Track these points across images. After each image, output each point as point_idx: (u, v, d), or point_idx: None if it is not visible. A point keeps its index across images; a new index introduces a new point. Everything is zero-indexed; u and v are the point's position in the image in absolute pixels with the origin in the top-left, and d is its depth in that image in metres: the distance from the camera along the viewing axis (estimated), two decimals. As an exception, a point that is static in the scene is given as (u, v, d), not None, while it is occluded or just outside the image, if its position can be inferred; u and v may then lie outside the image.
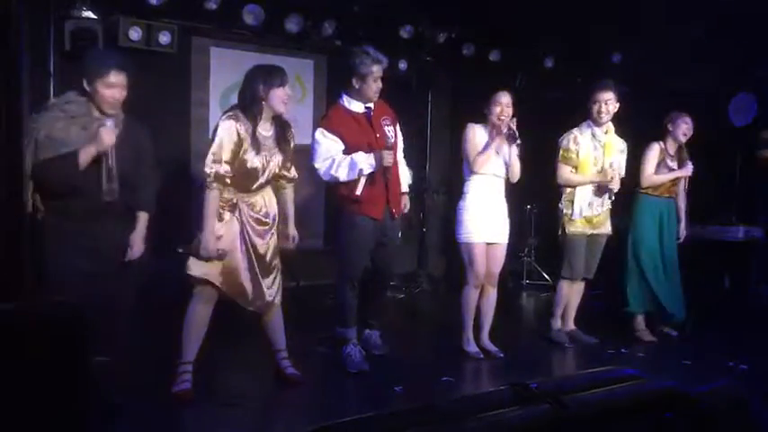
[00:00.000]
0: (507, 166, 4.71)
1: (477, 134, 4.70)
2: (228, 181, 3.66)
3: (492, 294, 4.85)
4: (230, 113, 3.73)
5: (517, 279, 7.48)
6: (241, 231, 3.78)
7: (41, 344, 1.64)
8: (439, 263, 7.85)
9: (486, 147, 4.62)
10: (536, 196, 6.93)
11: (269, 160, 3.80)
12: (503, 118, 4.59)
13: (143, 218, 3.60)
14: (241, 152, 3.69)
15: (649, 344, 5.26)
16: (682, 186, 5.43)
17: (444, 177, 7.75)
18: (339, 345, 4.54)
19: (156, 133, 5.86)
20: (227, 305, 3.96)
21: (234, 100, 6.38)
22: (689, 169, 5.32)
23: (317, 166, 4.34)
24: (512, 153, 4.67)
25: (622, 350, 5.07)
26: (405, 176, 4.80)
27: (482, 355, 4.76)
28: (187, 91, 6.27)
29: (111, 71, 3.35)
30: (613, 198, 5.11)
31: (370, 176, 4.30)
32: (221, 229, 3.72)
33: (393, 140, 4.49)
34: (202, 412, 3.66)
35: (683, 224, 5.45)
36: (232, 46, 6.46)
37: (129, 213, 3.54)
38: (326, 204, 6.76)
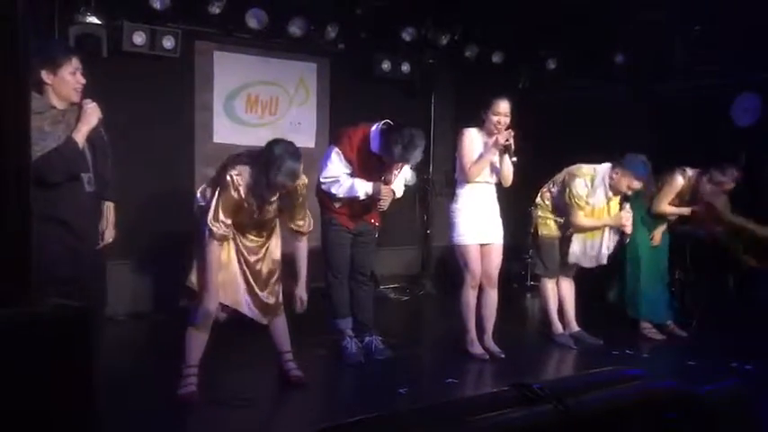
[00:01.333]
0: (498, 172, 4.74)
1: (473, 140, 4.71)
2: (230, 236, 3.78)
3: (492, 296, 4.85)
4: (237, 170, 3.69)
5: (522, 280, 7.48)
6: (236, 249, 3.88)
7: (48, 346, 1.65)
8: (443, 265, 7.84)
9: (480, 157, 4.65)
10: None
11: (269, 217, 3.89)
12: (500, 128, 4.60)
13: (112, 207, 3.62)
14: (240, 206, 3.74)
15: (655, 345, 5.26)
16: None
17: (448, 179, 7.75)
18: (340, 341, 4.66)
19: (160, 138, 5.95)
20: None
21: (238, 104, 6.52)
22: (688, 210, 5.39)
23: (321, 178, 4.56)
24: (504, 160, 4.68)
25: (627, 351, 5.06)
26: (402, 180, 4.82)
27: (487, 357, 4.77)
28: (191, 95, 6.29)
29: (72, 56, 3.31)
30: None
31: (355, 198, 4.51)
32: (217, 250, 3.77)
33: (396, 175, 4.65)
34: (207, 414, 3.67)
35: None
36: (235, 50, 6.47)
37: (99, 210, 3.55)
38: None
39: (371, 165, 4.49)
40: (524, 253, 7.47)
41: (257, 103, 6.66)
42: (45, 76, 3.22)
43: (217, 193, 3.71)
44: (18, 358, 1.46)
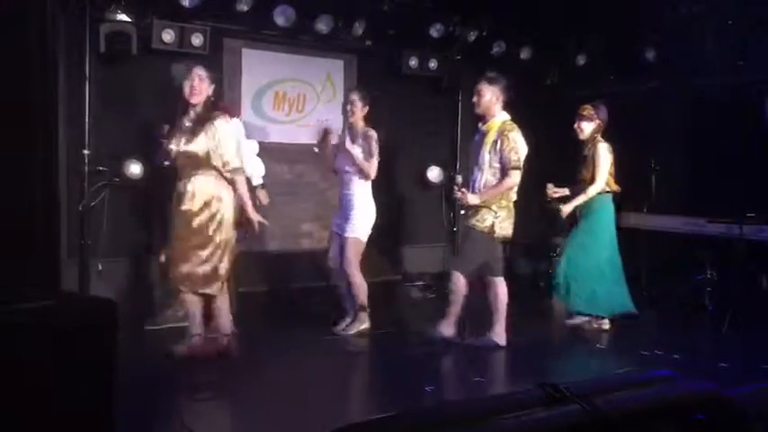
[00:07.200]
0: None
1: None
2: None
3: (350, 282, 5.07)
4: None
5: (548, 279, 7.40)
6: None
7: (80, 337, 1.67)
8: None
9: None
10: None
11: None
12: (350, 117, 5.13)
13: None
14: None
15: (685, 346, 5.18)
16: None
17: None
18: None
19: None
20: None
21: (265, 101, 6.55)
22: None
23: None
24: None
25: (656, 351, 4.99)
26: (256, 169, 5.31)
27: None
28: (219, 92, 6.32)
29: None
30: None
31: None
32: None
33: None
34: (229, 409, 3.69)
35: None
36: (263, 47, 6.51)
37: None
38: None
39: None
40: (552, 252, 7.41)
41: (285, 100, 6.69)
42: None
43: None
44: (51, 347, 1.48)
